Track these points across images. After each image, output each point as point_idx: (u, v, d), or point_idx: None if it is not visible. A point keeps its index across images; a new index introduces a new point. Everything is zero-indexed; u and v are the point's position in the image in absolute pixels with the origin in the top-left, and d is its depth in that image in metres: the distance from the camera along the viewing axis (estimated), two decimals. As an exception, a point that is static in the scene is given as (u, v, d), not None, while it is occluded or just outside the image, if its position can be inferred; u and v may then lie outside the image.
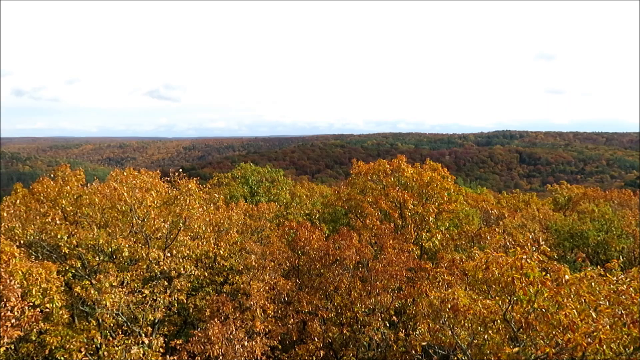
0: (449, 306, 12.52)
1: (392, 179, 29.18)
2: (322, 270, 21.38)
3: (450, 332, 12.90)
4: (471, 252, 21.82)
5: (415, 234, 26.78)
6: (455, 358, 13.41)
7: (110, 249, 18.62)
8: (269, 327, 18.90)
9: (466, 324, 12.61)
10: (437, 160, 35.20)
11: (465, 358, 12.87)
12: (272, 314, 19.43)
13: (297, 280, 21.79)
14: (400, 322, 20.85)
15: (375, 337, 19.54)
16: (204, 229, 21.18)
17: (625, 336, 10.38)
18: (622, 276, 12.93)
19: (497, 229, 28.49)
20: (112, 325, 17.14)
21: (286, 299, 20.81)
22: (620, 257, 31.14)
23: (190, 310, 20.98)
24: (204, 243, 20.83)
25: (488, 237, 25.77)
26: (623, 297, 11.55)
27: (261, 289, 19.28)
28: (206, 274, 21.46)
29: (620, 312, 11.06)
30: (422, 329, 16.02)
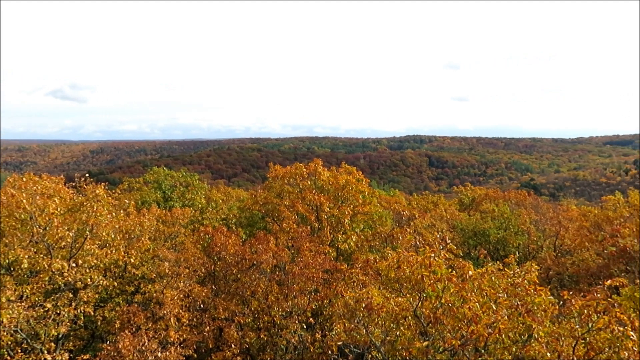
0: (364, 305, 12.92)
1: (309, 182, 29.54)
2: (238, 275, 21.16)
3: (364, 330, 13.30)
4: (384, 252, 22.58)
5: (332, 236, 27.30)
6: (370, 355, 13.84)
7: (7, 261, 17.18)
8: (184, 335, 18.38)
9: (380, 322, 13.07)
10: (352, 163, 36.16)
11: (379, 355, 13.33)
12: (187, 322, 18.91)
13: (213, 287, 21.39)
14: (317, 323, 21.13)
15: (293, 340, 19.65)
16: (113, 236, 20.16)
17: (521, 325, 11.30)
18: (518, 270, 14.04)
19: (408, 230, 29.72)
20: (10, 343, 15.81)
21: (202, 306, 20.35)
22: (517, 252, 33.79)
23: (99, 323, 19.86)
24: (114, 251, 19.81)
25: (400, 238, 26.83)
26: (519, 289, 12.57)
27: (175, 297, 18.70)
28: (116, 283, 20.43)
29: (516, 303, 12.01)
30: (338, 329, 16.37)
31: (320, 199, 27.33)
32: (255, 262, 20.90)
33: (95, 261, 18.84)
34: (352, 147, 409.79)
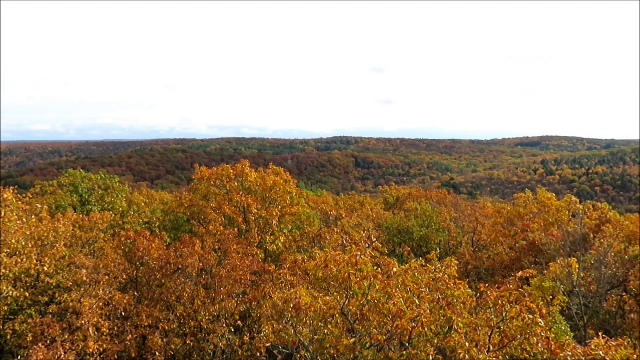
0: (292, 305, 12.95)
1: (236, 183, 29.16)
2: (162, 280, 20.46)
3: (293, 330, 13.33)
4: (312, 252, 22.80)
5: (259, 237, 27.11)
6: (298, 355, 13.89)
7: None
8: (104, 345, 17.49)
9: (308, 321, 13.15)
10: (280, 164, 36.12)
11: (308, 354, 13.41)
12: (107, 331, 18.01)
13: (136, 293, 20.54)
14: (245, 326, 20.89)
15: (220, 344, 19.31)
16: (23, 243, 18.79)
17: (442, 317, 11.82)
18: (439, 265, 14.67)
19: (335, 229, 30.18)
20: None
21: (123, 313, 19.47)
22: (438, 248, 35.30)
23: (8, 337, 18.41)
24: (24, 259, 18.46)
25: (327, 237, 27.17)
26: (440, 283, 13.14)
27: (94, 306, 17.76)
28: (27, 294, 19.02)
29: (437, 297, 12.55)
30: (267, 331, 16.30)
31: (248, 200, 27.07)
32: (180, 266, 20.31)
33: (3, 270, 17.48)
34: (279, 148, 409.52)
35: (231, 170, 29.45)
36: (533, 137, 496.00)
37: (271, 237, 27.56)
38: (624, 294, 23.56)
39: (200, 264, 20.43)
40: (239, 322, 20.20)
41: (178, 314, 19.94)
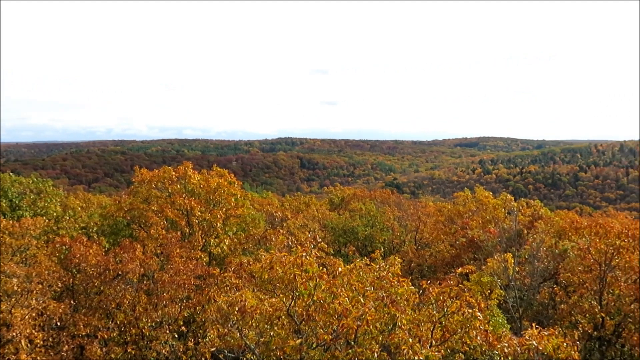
0: (237, 309, 12.80)
1: (179, 186, 28.48)
2: (101, 288, 19.67)
3: (238, 334, 13.17)
4: (258, 254, 22.64)
5: (204, 240, 26.62)
6: (245, 358, 13.74)
7: None
8: (38, 358, 16.60)
9: (254, 324, 13.04)
10: (225, 166, 35.64)
11: (254, 357, 13.30)
12: (42, 342, 17.10)
13: (72, 302, 19.62)
14: (190, 331, 20.45)
15: (164, 351, 18.80)
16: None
17: (386, 315, 12.05)
18: (383, 264, 14.95)
19: (281, 230, 30.07)
20: None
21: (59, 323, 18.55)
22: (383, 247, 35.98)
23: None
24: (-54, 270, 17.22)
25: (273, 239, 27.03)
26: (384, 282, 13.39)
27: (26, 317, 16.80)
28: (-50, 307, 17.76)
29: (382, 295, 12.77)
30: (212, 335, 16.02)
31: (191, 203, 26.50)
32: (120, 272, 19.59)
33: None
34: (224, 150, 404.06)
35: (173, 173, 28.73)
36: (471, 138, 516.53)
37: (216, 240, 27.12)
38: (555, 286, 24.91)
39: (142, 270, 19.80)
40: (183, 327, 19.74)
41: (118, 322, 19.23)
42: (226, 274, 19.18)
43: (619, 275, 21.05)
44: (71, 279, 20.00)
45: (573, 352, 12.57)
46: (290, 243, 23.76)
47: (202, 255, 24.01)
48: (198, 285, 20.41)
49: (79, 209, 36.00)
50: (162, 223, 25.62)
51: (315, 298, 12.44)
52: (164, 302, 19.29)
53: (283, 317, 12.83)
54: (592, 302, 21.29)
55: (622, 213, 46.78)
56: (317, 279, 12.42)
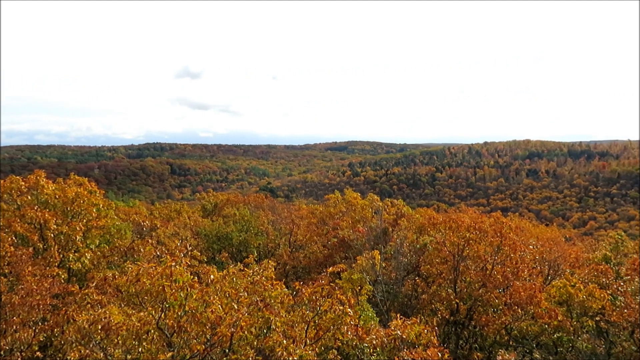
0: (100, 327, 11.92)
1: (30, 197, 25.65)
2: None
3: (102, 353, 12.26)
4: (125, 266, 21.29)
5: (61, 256, 24.30)
6: (111, 379, 12.82)
7: None
8: None
9: (120, 341, 12.23)
10: (86, 174, 33.09)
11: (121, 377, 12.47)
12: None
13: None
14: (47, 356, 18.52)
15: (15, 382, 16.79)
16: None
17: (260, 319, 12.08)
18: (257, 268, 14.97)
19: (150, 240, 28.63)
20: None
21: None
22: (258, 252, 36.00)
23: None
24: None
25: (141, 249, 25.66)
26: (257, 286, 13.42)
27: None
28: None
29: (256, 300, 12.79)
30: (72, 358, 14.69)
31: (45, 216, 24.02)
32: (-43, 298, 17.11)
33: None
34: (84, 157, 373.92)
35: (23, 183, 25.80)
36: (341, 142, 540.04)
37: (75, 254, 24.89)
38: (417, 278, 26.96)
39: (-15, 293, 17.51)
40: (38, 353, 17.79)
41: (-44, 355, 16.79)
42: (87, 291, 17.75)
43: (470, 264, 23.42)
44: None
45: (432, 337, 13.71)
46: (160, 253, 22.71)
47: (60, 272, 21.90)
48: (55, 305, 18.58)
49: None
50: (9, 239, 22.85)
51: (186, 308, 12.06)
52: (15, 326, 17.23)
53: (152, 331, 12.21)
54: (449, 290, 23.42)
55: (472, 208, 52.15)
56: (189, 289, 12.05)
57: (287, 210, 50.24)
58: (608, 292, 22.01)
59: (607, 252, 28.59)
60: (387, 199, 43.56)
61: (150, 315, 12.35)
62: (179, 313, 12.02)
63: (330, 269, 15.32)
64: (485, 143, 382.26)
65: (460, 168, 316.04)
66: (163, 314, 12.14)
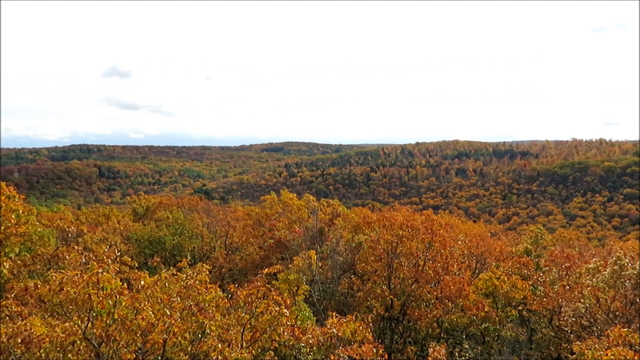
0: (19, 340, 11.19)
1: (-63, 204, 23.66)
2: None
3: (23, 368, 11.53)
4: (48, 275, 20.12)
5: (-25, 266, 22.59)
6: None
7: None
8: None
9: (43, 354, 11.55)
10: (4, 178, 31.03)
11: (45, 392, 11.77)
12: None
13: None
14: (-41, 376, 17.16)
15: None
16: None
17: (194, 324, 11.82)
18: (191, 272, 14.63)
19: (76, 247, 27.23)
20: None
21: None
22: (192, 255, 35.21)
23: None
24: None
25: (67, 257, 24.38)
26: (191, 290, 13.11)
27: None
28: None
29: (189, 304, 12.49)
30: (-11, 376, 13.69)
31: (-44, 223, 22.27)
32: None
33: None
34: (2, 160, 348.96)
35: None
36: (277, 143, 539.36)
37: (-8, 264, 23.24)
38: (353, 276, 27.41)
39: None
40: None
41: None
42: (5, 302, 16.61)
43: (403, 261, 24.12)
44: None
45: (367, 334, 14.01)
46: (86, 260, 21.67)
47: (-26, 284, 20.38)
48: (-31, 319, 17.25)
49: None
50: None
51: (115, 316, 11.57)
52: None
53: (79, 342, 11.62)
54: (383, 286, 24.00)
55: (405, 207, 53.65)
56: (117, 296, 11.56)
57: (223, 212, 49.47)
58: (529, 282, 23.47)
59: (528, 246, 30.45)
60: (323, 199, 43.91)
61: (76, 326, 11.75)
62: (108, 322, 11.51)
63: (266, 270, 15.26)
64: (417, 143, 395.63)
65: (394, 168, 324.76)
66: (90, 323, 11.58)
